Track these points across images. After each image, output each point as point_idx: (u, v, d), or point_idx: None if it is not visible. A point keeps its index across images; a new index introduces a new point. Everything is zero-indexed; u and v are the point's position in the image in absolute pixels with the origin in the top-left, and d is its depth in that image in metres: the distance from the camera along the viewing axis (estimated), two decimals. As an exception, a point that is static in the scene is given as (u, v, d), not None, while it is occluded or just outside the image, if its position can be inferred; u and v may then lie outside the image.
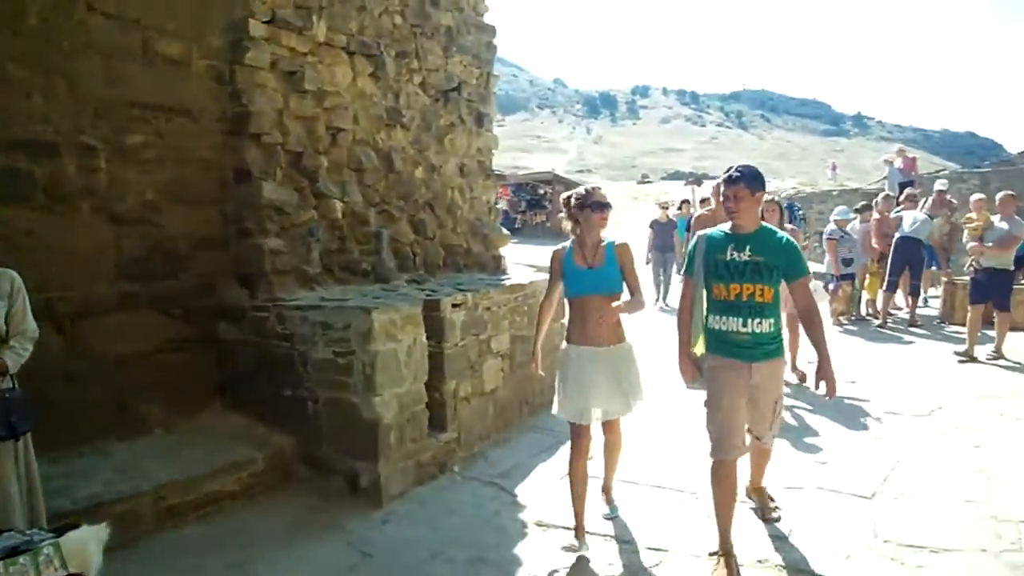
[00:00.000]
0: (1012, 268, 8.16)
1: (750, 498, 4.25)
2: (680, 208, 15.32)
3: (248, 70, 5.32)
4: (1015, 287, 9.60)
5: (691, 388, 3.84)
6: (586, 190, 3.98)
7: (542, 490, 4.74)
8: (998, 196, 8.09)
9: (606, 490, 4.38)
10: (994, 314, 8.20)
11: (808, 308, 3.55)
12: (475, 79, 7.41)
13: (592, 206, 3.85)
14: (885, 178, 15.23)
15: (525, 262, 18.23)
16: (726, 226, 3.66)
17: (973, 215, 8.53)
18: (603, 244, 3.88)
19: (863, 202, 11.93)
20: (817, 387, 3.57)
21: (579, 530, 3.87)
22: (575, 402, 3.87)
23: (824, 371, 3.53)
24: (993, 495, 4.38)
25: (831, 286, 10.09)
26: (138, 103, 4.89)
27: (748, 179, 3.49)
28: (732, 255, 3.53)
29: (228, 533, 4.13)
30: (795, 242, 3.61)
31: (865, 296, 10.90)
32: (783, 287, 3.59)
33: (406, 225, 6.41)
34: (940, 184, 11.48)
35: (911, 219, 10.10)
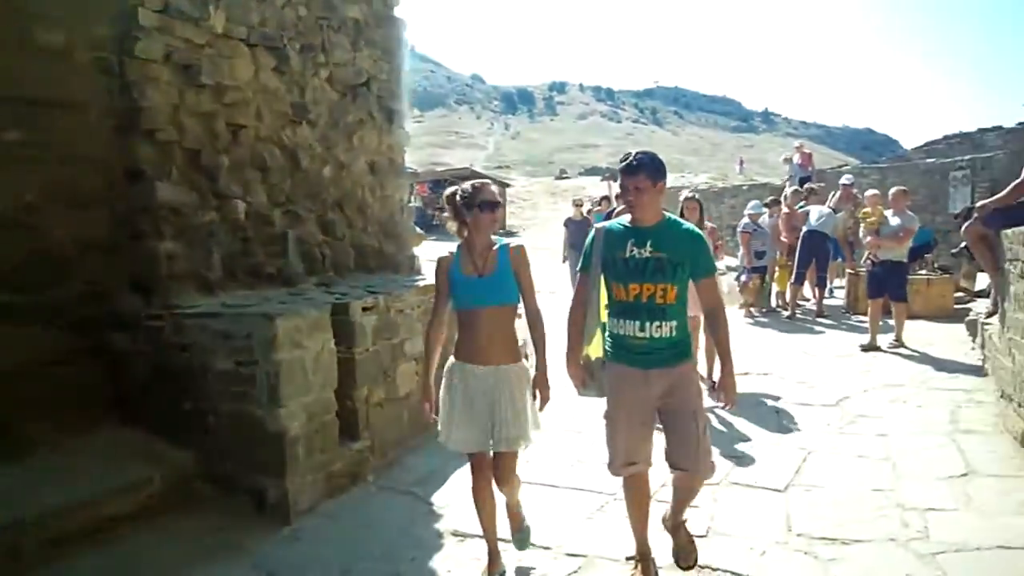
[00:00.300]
0: (906, 260, 8.47)
1: (666, 529, 3.63)
2: (600, 204, 15.24)
3: (139, 63, 4.97)
4: (912, 277, 10.04)
5: (583, 395, 3.53)
6: (473, 186, 3.45)
7: (460, 497, 4.58)
8: (891, 192, 8.47)
9: (513, 530, 3.78)
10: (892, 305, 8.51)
11: (714, 309, 3.28)
12: (385, 74, 7.20)
13: (481, 205, 3.39)
14: (789, 177, 15.75)
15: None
16: (627, 219, 3.32)
17: (868, 210, 8.86)
18: (495, 248, 3.42)
19: (772, 197, 12.27)
20: (717, 397, 3.33)
21: (493, 558, 3.60)
22: (461, 430, 3.46)
23: (725, 381, 3.28)
24: (899, 483, 4.50)
25: (743, 278, 10.33)
26: (14, 97, 4.51)
27: (649, 168, 3.12)
28: (632, 251, 3.19)
29: (124, 562, 3.83)
30: (703, 236, 3.31)
31: (775, 288, 11.22)
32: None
33: (314, 226, 6.16)
34: (846, 179, 11.91)
35: (817, 213, 10.45)
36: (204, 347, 4.48)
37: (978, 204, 5.57)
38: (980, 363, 7.11)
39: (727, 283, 6.28)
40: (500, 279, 3.39)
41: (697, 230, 3.29)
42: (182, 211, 5.10)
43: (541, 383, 3.47)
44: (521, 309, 3.53)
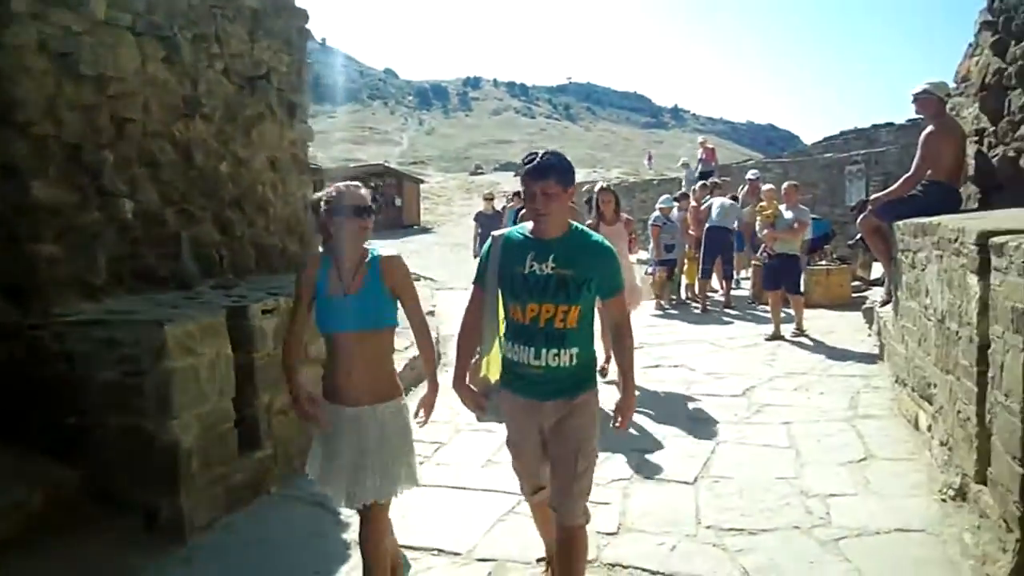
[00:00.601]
0: (799, 254, 8.79)
1: None
2: (511, 200, 15.19)
3: (10, 50, 4.61)
4: (812, 268, 10.39)
5: (483, 420, 3.30)
6: (338, 190, 2.92)
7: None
8: (783, 187, 8.76)
9: None
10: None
11: (620, 328, 2.96)
12: (286, 66, 6.93)
13: (346, 211, 2.86)
14: (686, 179, 16.10)
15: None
16: (528, 227, 2.89)
17: (764, 204, 9.13)
18: (366, 260, 2.92)
19: (681, 191, 12.51)
20: (614, 420, 2.99)
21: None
22: (330, 480, 2.98)
23: (624, 404, 2.97)
24: (802, 471, 4.61)
25: (651, 270, 10.51)
26: None
27: (559, 171, 2.74)
28: (531, 266, 2.78)
29: (-2, 592, 3.54)
30: (614, 251, 2.91)
31: (684, 281, 11.46)
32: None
33: (210, 225, 5.87)
34: (752, 173, 12.27)
35: (718, 208, 10.73)
36: (88, 357, 4.17)
37: (872, 197, 5.79)
38: (876, 350, 7.41)
39: (638, 278, 6.39)
40: (368, 298, 2.87)
41: (607, 244, 2.91)
42: (62, 211, 4.75)
43: (427, 404, 3.06)
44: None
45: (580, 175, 33.51)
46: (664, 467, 4.80)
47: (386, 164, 33.18)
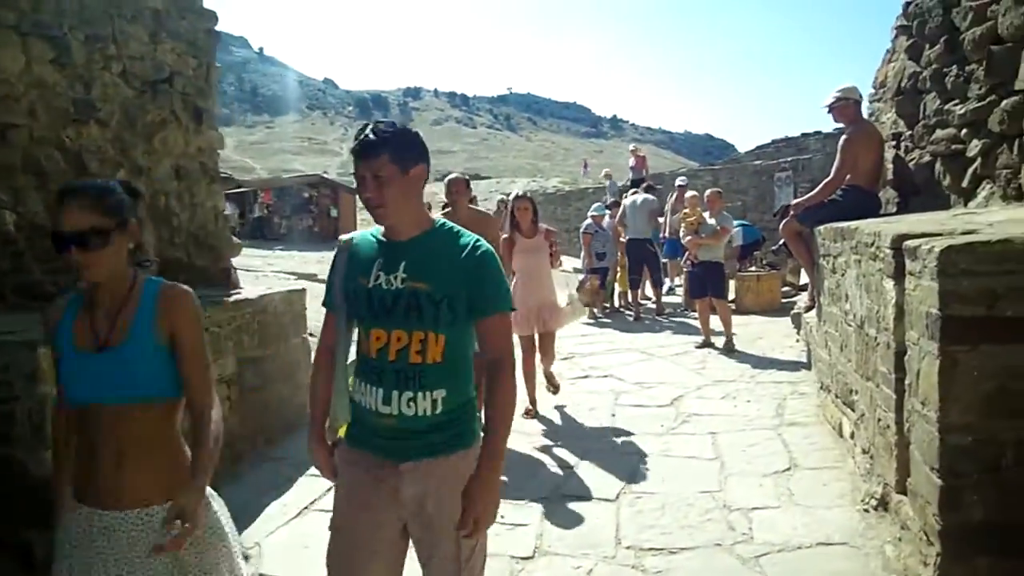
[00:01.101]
0: (722, 260, 8.69)
1: None
2: (443, 211, 14.86)
3: None
4: (743, 274, 10.42)
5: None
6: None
7: (272, 538, 4.17)
8: (705, 193, 8.75)
9: None
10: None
11: (497, 367, 2.09)
12: (192, 70, 6.57)
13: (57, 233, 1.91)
14: (609, 192, 16.11)
15: (287, 270, 17.33)
16: (380, 228, 2.17)
17: (688, 211, 9.12)
18: (135, 297, 2.02)
19: (613, 199, 12.47)
20: (464, 525, 2.03)
21: None
22: None
23: (479, 494, 2.03)
24: (726, 483, 4.48)
25: (583, 278, 10.40)
26: None
27: (396, 147, 1.99)
28: (378, 278, 2.06)
29: None
30: (493, 254, 2.11)
31: (618, 288, 11.39)
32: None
33: (107, 237, 5.48)
34: (680, 180, 12.30)
35: (630, 207, 10.74)
36: (-48, 383, 3.79)
37: (793, 202, 5.75)
38: (804, 355, 7.41)
39: (563, 295, 6.20)
40: (129, 355, 1.96)
41: (485, 244, 2.11)
42: (-70, 224, 4.36)
43: (184, 513, 1.88)
44: None
45: (520, 185, 33.51)
46: (586, 484, 4.62)
47: (323, 175, 32.54)
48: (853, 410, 4.57)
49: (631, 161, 15.44)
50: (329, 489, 4.71)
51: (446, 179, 5.78)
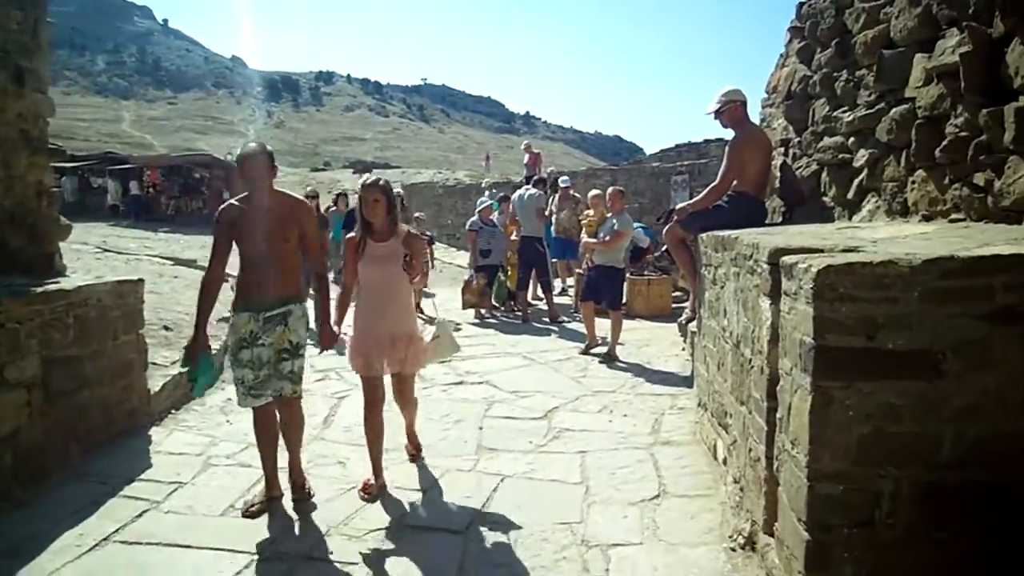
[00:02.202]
0: (620, 266, 8.07)
1: None
2: (336, 204, 13.04)
3: None
4: (634, 278, 10.13)
5: None
6: None
7: (66, 570, 3.50)
8: (607, 192, 8.21)
9: None
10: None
11: None
12: (16, 24, 5.68)
13: None
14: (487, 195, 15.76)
15: (165, 254, 16.14)
16: None
17: (590, 212, 8.73)
18: None
19: (502, 193, 12.02)
20: None
21: None
22: None
23: None
24: (588, 513, 4.05)
25: (469, 277, 9.92)
26: None
27: None
28: None
29: None
30: None
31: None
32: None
33: None
34: (563, 180, 11.96)
35: (517, 202, 10.34)
36: None
37: (677, 207, 5.41)
38: (688, 366, 7.15)
39: (432, 331, 4.87)
40: None
41: None
42: None
43: None
44: None
45: (427, 175, 32.75)
46: (437, 511, 4.12)
47: (213, 155, 30.85)
48: (728, 432, 4.24)
49: (524, 158, 15.02)
50: (143, 513, 4.07)
51: (360, 183, 4.68)
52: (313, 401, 6.22)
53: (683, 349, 8.07)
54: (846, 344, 2.38)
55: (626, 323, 8.77)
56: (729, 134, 5.46)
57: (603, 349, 7.91)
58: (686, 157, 16.26)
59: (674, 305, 10.74)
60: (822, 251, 2.91)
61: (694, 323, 5.57)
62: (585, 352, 7.94)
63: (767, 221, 5.48)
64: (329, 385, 6.85)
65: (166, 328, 7.85)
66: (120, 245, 17.46)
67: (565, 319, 10.16)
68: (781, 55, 6.49)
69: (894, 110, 3.87)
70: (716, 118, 5.25)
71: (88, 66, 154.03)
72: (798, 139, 5.17)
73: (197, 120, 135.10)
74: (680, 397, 6.23)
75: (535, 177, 11.11)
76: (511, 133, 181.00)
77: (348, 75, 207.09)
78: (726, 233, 4.23)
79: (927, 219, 3.66)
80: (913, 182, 3.76)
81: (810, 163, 4.96)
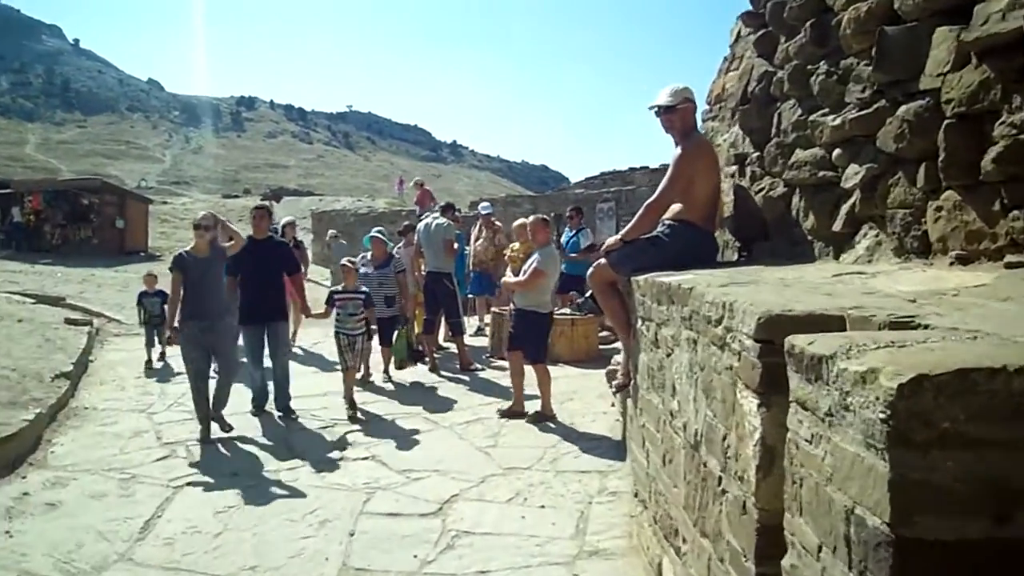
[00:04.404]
0: (544, 311, 6.62)
1: None
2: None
3: None
4: (557, 317, 8.88)
5: None
6: None
7: None
8: (528, 221, 6.94)
9: None
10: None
11: None
12: None
13: None
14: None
15: (30, 290, 14.13)
16: None
17: (516, 245, 7.49)
18: None
19: (406, 223, 10.68)
20: None
21: None
22: None
23: None
24: None
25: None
26: None
27: None
28: None
29: None
30: None
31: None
32: None
33: None
34: (483, 207, 10.71)
35: (423, 232, 8.89)
36: None
37: (608, 240, 4.17)
38: (619, 429, 5.95)
39: None
40: None
41: None
42: None
43: None
44: None
45: (346, 203, 31.16)
46: None
47: (103, 179, 28.49)
48: (679, 557, 3.00)
49: (414, 197, 13.39)
50: None
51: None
52: (137, 495, 4.76)
53: (612, 405, 6.87)
54: (954, 534, 1.15)
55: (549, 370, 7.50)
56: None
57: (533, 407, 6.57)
58: (611, 185, 15.30)
59: (601, 346, 9.56)
60: (845, 318, 1.72)
61: (628, 389, 4.33)
62: (507, 415, 6.53)
63: (719, 258, 4.33)
64: (171, 467, 5.34)
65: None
66: (-28, 282, 15.34)
67: (478, 367, 8.78)
68: (725, 58, 5.43)
69: (904, 108, 2.74)
70: (662, 116, 4.05)
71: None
72: (758, 154, 4.03)
73: (109, 144, 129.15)
74: (610, 475, 5.00)
75: (441, 205, 9.63)
76: (438, 162, 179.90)
77: (271, 101, 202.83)
78: (675, 279, 3.02)
79: (963, 261, 2.51)
80: (939, 209, 2.62)
81: (775, 184, 3.82)
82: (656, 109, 4.14)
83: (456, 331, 8.86)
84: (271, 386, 6.80)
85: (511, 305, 7.00)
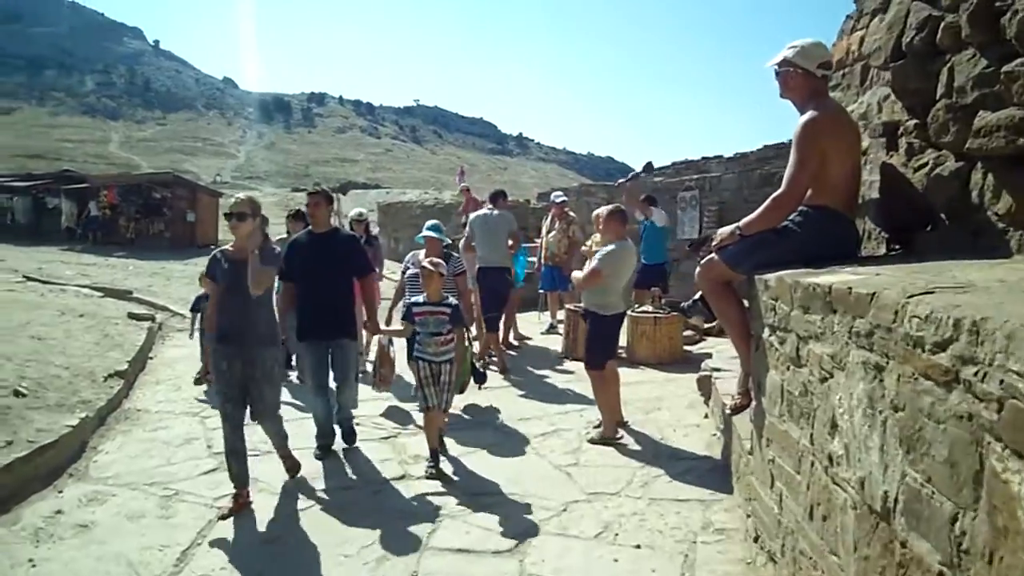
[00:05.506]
0: (605, 313, 5.63)
1: None
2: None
3: None
4: (637, 315, 8.16)
5: None
6: None
7: None
8: (601, 212, 6.10)
9: None
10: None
11: None
12: None
13: None
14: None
15: (101, 283, 14.08)
16: None
17: (597, 237, 6.76)
18: None
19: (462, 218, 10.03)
20: None
21: None
22: None
23: None
24: None
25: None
26: None
27: None
28: None
29: None
30: None
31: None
32: None
33: None
34: (556, 196, 9.96)
35: (484, 243, 8.19)
36: None
37: (718, 232, 3.41)
38: (718, 446, 5.20)
39: None
40: None
41: None
42: None
43: None
44: None
45: (412, 196, 30.87)
46: None
47: (175, 173, 28.84)
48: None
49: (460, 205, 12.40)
50: None
51: None
52: (178, 515, 4.25)
53: (705, 417, 6.11)
54: None
55: (629, 374, 6.82)
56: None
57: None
58: (684, 175, 14.34)
59: (687, 347, 8.77)
60: None
61: (745, 415, 3.59)
62: (599, 442, 5.53)
63: (863, 251, 3.54)
64: (217, 483, 4.81)
65: (17, 393, 5.80)
66: (55, 273, 15.43)
67: (493, 368, 7.93)
68: (849, 16, 4.61)
69: None
70: (780, 75, 3.32)
71: (76, 87, 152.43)
72: (916, 122, 3.22)
73: (186, 141, 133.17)
74: (714, 506, 4.26)
75: (492, 192, 8.80)
76: (504, 154, 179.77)
77: (340, 96, 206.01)
78: (833, 280, 2.28)
79: None
80: None
81: (942, 158, 3.01)
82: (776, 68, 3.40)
83: (492, 327, 8.13)
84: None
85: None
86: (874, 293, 1.92)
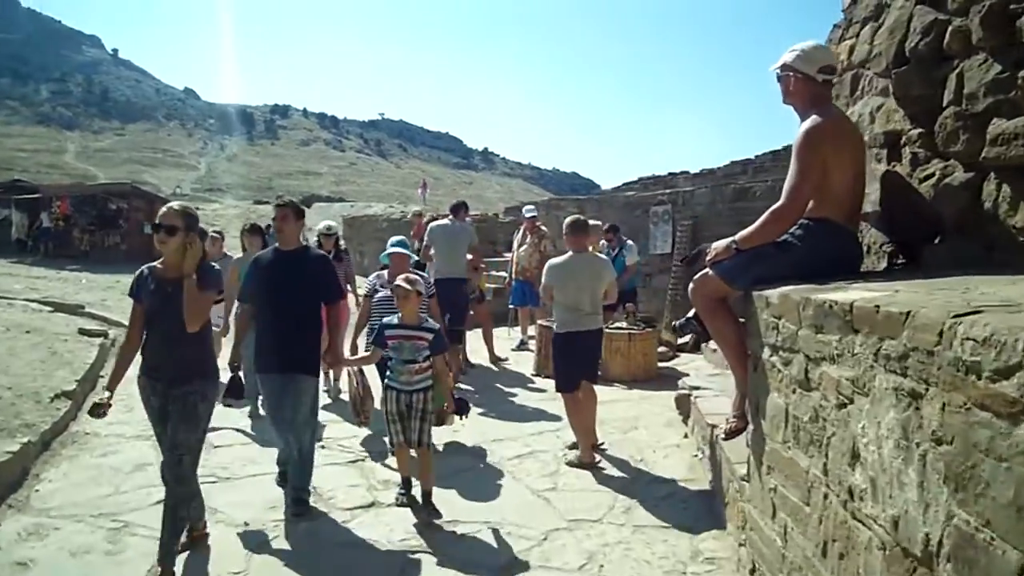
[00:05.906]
0: (557, 331, 5.46)
1: None
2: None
3: None
4: (611, 331, 7.95)
5: None
6: None
7: None
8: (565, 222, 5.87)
9: None
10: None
11: None
12: None
13: None
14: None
15: (51, 298, 13.51)
16: None
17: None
18: None
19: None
20: None
21: None
22: None
23: None
24: None
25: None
26: None
27: None
28: None
29: None
30: None
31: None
32: None
33: None
34: (528, 210, 9.80)
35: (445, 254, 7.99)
36: None
37: (716, 245, 3.22)
38: (703, 468, 5.01)
39: None
40: None
41: None
42: None
43: None
44: None
45: (378, 208, 30.45)
46: None
47: (132, 184, 28.11)
48: None
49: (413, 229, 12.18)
50: None
51: None
52: (126, 551, 3.92)
53: (685, 437, 5.93)
54: None
55: (603, 392, 6.57)
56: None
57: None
58: (653, 191, 14.30)
59: (660, 364, 8.61)
60: None
61: (741, 439, 3.39)
62: (576, 465, 5.32)
63: (863, 266, 3.38)
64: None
65: None
66: (2, 286, 14.78)
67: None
68: (836, 25, 4.51)
69: None
70: (783, 79, 3.17)
71: (32, 95, 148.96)
72: (920, 131, 3.08)
73: (145, 152, 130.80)
74: (702, 534, 4.06)
75: (453, 204, 8.57)
76: (469, 169, 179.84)
77: (304, 109, 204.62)
78: (849, 297, 2.09)
79: None
80: None
81: (950, 168, 2.87)
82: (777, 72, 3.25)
83: (456, 339, 7.82)
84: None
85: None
86: (909, 312, 1.73)
